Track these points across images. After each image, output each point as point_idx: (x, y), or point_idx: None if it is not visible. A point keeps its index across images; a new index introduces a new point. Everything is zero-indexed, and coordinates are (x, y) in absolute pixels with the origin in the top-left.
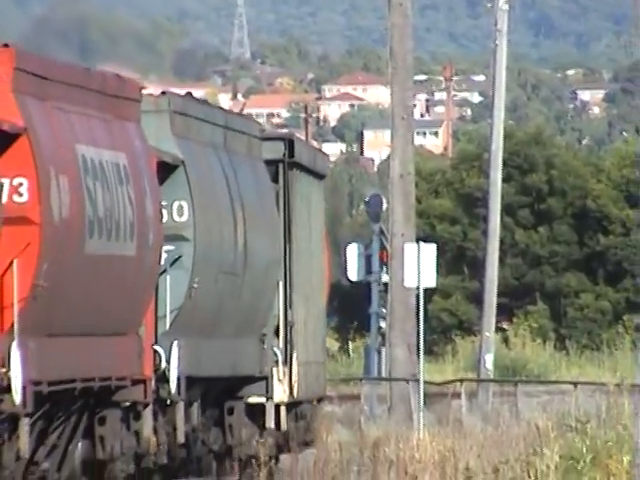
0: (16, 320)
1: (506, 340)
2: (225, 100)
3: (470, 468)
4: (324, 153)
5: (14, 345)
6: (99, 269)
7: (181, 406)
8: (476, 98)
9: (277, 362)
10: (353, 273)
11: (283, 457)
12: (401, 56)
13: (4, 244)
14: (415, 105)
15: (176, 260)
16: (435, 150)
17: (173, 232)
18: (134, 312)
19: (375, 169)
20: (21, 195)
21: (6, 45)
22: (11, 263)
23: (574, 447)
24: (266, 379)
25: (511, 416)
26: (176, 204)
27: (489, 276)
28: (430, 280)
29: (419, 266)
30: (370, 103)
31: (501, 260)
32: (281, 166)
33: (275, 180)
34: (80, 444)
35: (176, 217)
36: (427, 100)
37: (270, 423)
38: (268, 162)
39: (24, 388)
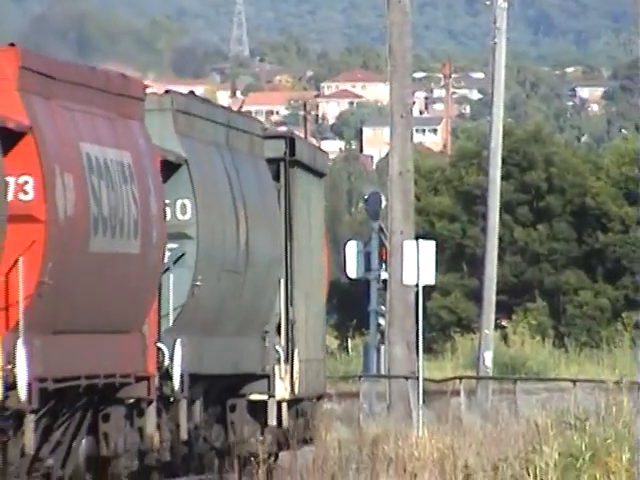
0: (21, 317)
1: (505, 337)
2: (224, 97)
3: (469, 466)
4: (324, 151)
5: (19, 342)
6: (103, 267)
7: (184, 403)
8: (475, 95)
9: (279, 360)
10: (352, 271)
11: (282, 454)
12: (400, 54)
13: (10, 242)
14: (414, 103)
15: (179, 258)
16: (434, 148)
17: (176, 230)
18: (138, 310)
19: (374, 167)
20: (26, 193)
21: (12, 44)
22: (16, 261)
23: (573, 445)
24: (268, 377)
25: (510, 414)
26: (179, 202)
27: (488, 273)
28: (429, 278)
29: (418, 264)
30: (369, 100)
31: (500, 258)
32: (282, 164)
33: (276, 178)
34: (84, 440)
35: (179, 215)
36: (426, 98)
37: (272, 420)
38: (269, 160)
39: (29, 385)
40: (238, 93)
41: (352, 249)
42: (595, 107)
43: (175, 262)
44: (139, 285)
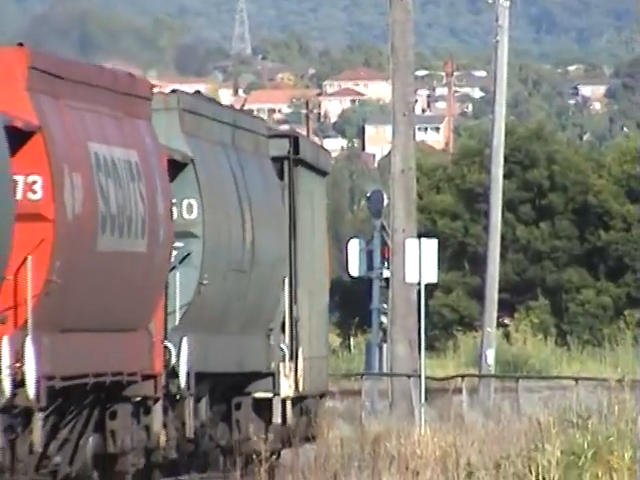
0: (30, 316)
1: (507, 336)
2: (226, 96)
3: (471, 464)
4: (326, 150)
5: (28, 340)
6: (111, 266)
7: (190, 401)
8: (477, 94)
9: (283, 357)
10: (354, 269)
11: (284, 452)
12: (402, 52)
13: (18, 241)
14: (416, 101)
15: (185, 257)
16: (436, 146)
17: (182, 229)
18: (145, 308)
19: (376, 165)
20: (35, 192)
21: (20, 44)
22: (25, 259)
23: (575, 443)
24: (273, 375)
25: (512, 411)
26: (185, 202)
27: (490, 272)
28: (431, 276)
29: (420, 262)
30: (371, 99)
31: (502, 256)
32: (286, 163)
33: (280, 177)
34: (91, 438)
35: (185, 214)
36: (428, 96)
37: (277, 418)
38: (273, 159)
39: (38, 383)
40: (240, 91)
41: (354, 247)
42: (597, 105)
43: (181, 261)
44: (146, 284)
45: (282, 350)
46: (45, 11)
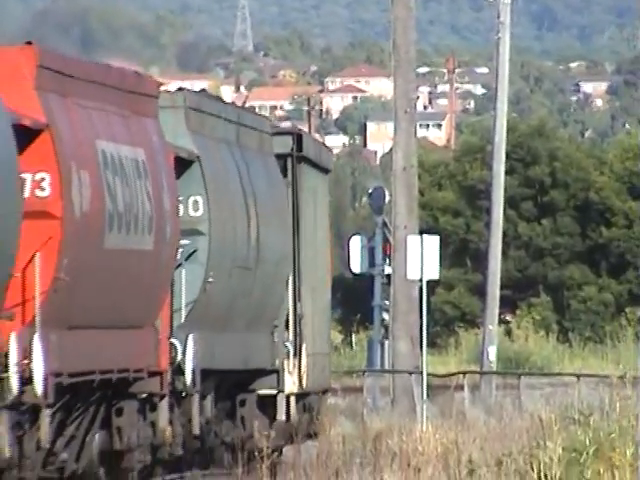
0: (38, 313)
1: (509, 332)
2: (228, 92)
3: (473, 461)
4: (328, 148)
5: (36, 337)
6: (118, 263)
7: (196, 398)
8: (479, 90)
9: (287, 354)
10: (356, 265)
11: (286, 449)
12: (404, 49)
13: (26, 238)
14: (418, 97)
15: (191, 254)
16: (438, 142)
17: (188, 227)
18: (151, 305)
19: (378, 162)
20: (43, 190)
21: (29, 43)
22: (33, 257)
23: (577, 439)
24: (277, 372)
25: (514, 408)
26: (191, 199)
27: (492, 268)
28: (433, 272)
29: (422, 258)
30: (373, 95)
31: (504, 252)
32: (289, 160)
33: (283, 174)
34: (98, 435)
35: (191, 212)
36: (430, 92)
37: (281, 415)
38: (276, 156)
39: (45, 379)
40: (242, 88)
41: (356, 244)
42: (599, 102)
43: (187, 258)
44: (152, 281)
45: (286, 347)
46: (46, 7)
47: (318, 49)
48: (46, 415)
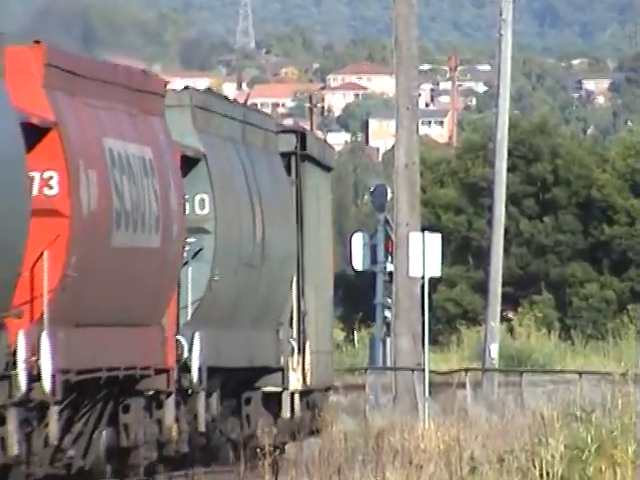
0: (46, 310)
1: (511, 330)
2: (230, 90)
3: (475, 458)
4: (331, 146)
5: (44, 335)
6: (125, 261)
7: (202, 395)
8: (481, 88)
9: (292, 351)
10: (358, 263)
11: (288, 446)
12: (406, 46)
13: (34, 236)
14: (420, 95)
15: (197, 252)
16: (440, 140)
17: (195, 225)
18: (158, 303)
19: (380, 159)
20: (51, 188)
21: (37, 41)
22: (41, 255)
23: (579, 437)
24: (282, 369)
25: (516, 406)
26: (198, 197)
27: (494, 266)
28: (435, 270)
29: (424, 256)
30: (375, 93)
31: (506, 250)
32: (293, 158)
33: (287, 172)
34: (105, 432)
35: (198, 210)
36: (432, 90)
37: (286, 413)
38: (281, 154)
39: (53, 377)
40: (244, 85)
41: (358, 241)
42: (601, 99)
43: (194, 256)
44: (159, 279)
45: (290, 344)
46: (47, 5)
47: (320, 46)
48: (54, 412)
